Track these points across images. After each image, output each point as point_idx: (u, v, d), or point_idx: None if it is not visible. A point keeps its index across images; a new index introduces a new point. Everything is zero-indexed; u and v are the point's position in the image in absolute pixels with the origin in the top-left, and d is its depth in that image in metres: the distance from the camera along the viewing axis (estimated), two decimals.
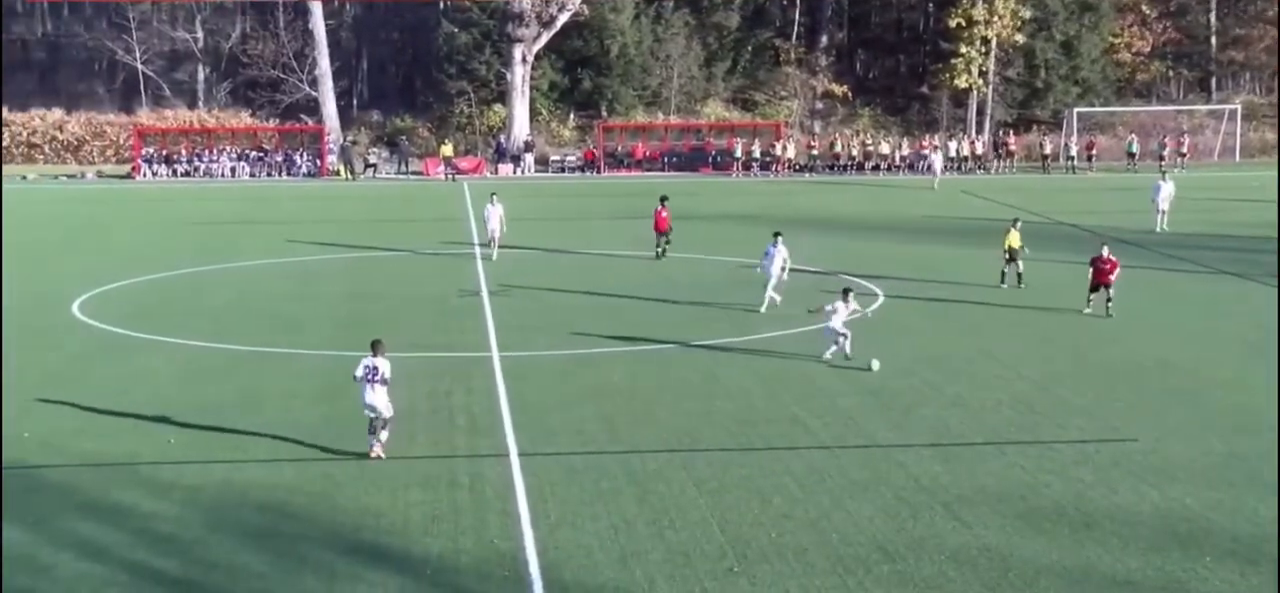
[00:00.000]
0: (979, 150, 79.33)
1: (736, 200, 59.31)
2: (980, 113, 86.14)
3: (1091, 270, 32.91)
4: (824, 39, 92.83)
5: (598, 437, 22.71)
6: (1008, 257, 37.32)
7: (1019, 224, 38.10)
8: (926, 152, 77.58)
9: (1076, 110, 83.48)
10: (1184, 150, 77.58)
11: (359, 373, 21.19)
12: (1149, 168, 75.22)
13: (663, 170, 78.20)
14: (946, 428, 23.15)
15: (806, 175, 77.22)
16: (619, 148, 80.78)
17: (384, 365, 21.17)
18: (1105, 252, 32.91)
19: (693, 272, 39.81)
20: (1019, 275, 37.19)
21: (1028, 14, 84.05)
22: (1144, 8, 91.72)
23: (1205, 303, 35.32)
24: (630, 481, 20.21)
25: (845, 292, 28.35)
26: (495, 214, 42.48)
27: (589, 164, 79.25)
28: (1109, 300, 32.53)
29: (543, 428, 23.19)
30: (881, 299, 35.40)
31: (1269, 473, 20.67)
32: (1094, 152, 79.06)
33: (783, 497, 19.47)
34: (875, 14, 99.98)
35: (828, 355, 27.78)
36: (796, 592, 16.07)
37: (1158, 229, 48.37)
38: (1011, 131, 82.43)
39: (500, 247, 42.38)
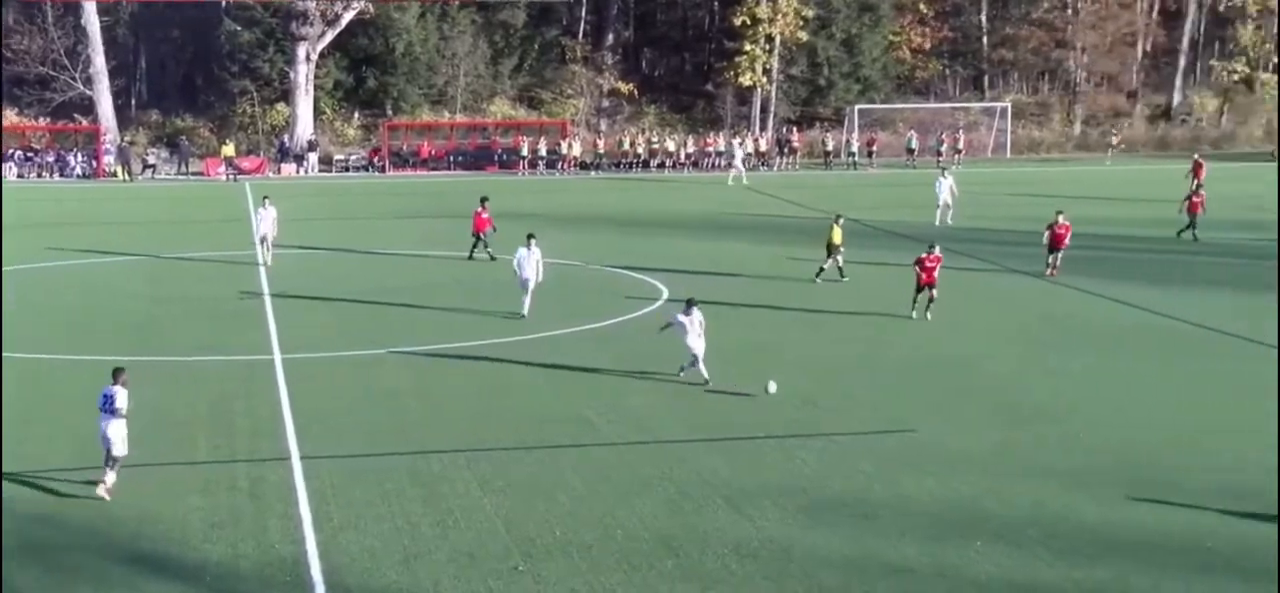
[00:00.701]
0: (763, 147, 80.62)
1: (523, 199, 59.26)
2: (764, 110, 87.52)
3: (917, 270, 32.32)
4: (610, 37, 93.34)
5: (382, 438, 22.49)
6: (828, 251, 37.88)
7: (841, 221, 38.66)
8: (721, 148, 78.61)
9: (857, 107, 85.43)
10: (960, 147, 79.95)
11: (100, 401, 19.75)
12: (927, 164, 77.46)
13: (449, 169, 77.70)
14: (730, 423, 23.48)
15: (593, 173, 77.56)
16: (404, 147, 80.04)
17: (120, 397, 19.51)
18: (936, 250, 32.56)
19: (479, 272, 39.64)
20: (840, 270, 37.75)
21: (811, 13, 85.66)
22: (922, 7, 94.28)
23: (986, 297, 36.41)
24: (415, 482, 20.08)
25: (689, 304, 26.30)
26: (267, 217, 41.16)
27: (373, 163, 78.32)
28: (930, 301, 32.13)
29: (326, 431, 22.89)
30: (665, 296, 35.74)
31: (1039, 459, 21.50)
32: (875, 147, 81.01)
33: (568, 495, 19.54)
34: (661, 12, 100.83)
35: (682, 375, 26.05)
36: (582, 589, 16.15)
37: (937, 223, 49.71)
38: (795, 128, 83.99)
39: (276, 249, 41.32)
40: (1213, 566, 16.87)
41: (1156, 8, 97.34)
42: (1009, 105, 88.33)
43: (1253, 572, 16.68)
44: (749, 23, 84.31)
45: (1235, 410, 24.49)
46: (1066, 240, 36.46)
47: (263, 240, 41.17)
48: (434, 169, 77.57)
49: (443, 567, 16.77)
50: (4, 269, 38.09)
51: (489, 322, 32.15)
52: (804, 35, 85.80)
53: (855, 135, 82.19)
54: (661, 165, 78.68)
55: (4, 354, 27.25)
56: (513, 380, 26.71)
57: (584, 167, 78.60)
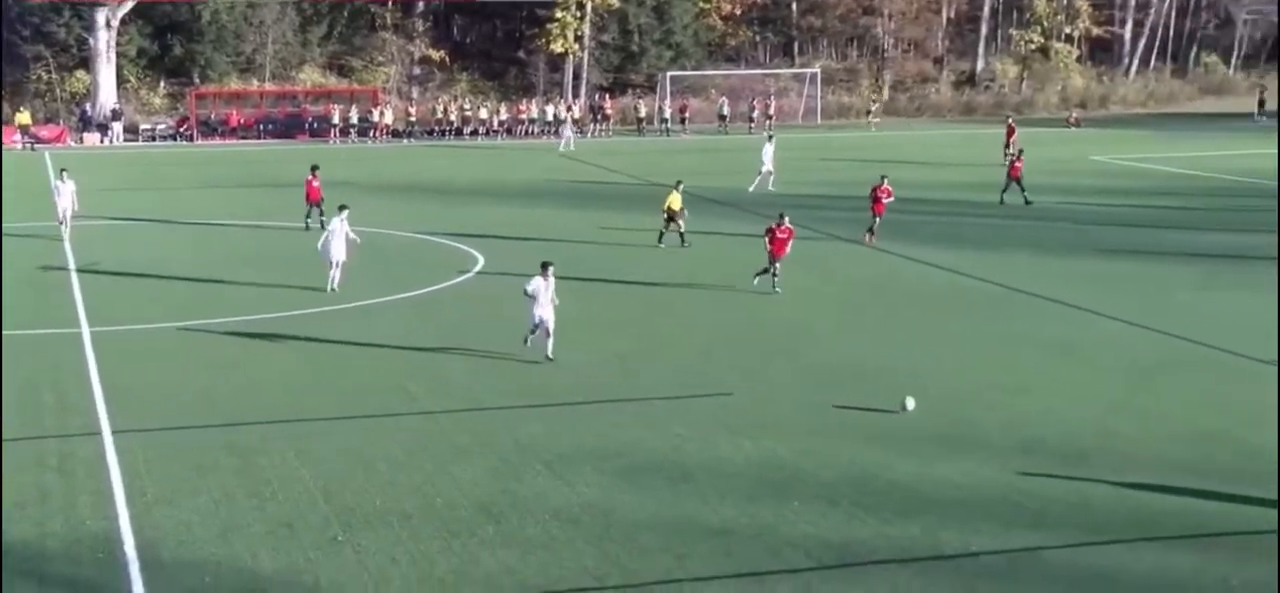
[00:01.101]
0: (576, 114, 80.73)
1: (335, 167, 58.39)
2: (577, 77, 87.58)
3: (768, 241, 31.95)
4: (420, 4, 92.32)
5: (196, 412, 22.07)
6: (667, 218, 38.02)
7: (681, 187, 38.85)
8: (534, 114, 78.52)
9: (670, 74, 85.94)
10: (771, 113, 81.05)
11: None
12: (739, 130, 78.48)
13: (259, 138, 76.22)
14: (548, 389, 23.54)
15: (406, 141, 76.79)
16: (213, 115, 78.23)
17: None
18: (786, 221, 32.13)
19: (294, 242, 39.01)
20: (681, 236, 37.94)
21: None
22: None
23: (805, 262, 36.88)
24: (231, 454, 19.76)
25: (545, 266, 25.44)
26: (66, 191, 39.66)
27: (181, 133, 76.38)
28: (775, 274, 31.70)
29: (138, 405, 22.38)
30: (481, 264, 35.64)
31: (854, 419, 22.00)
32: (687, 114, 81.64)
33: (387, 464, 19.43)
34: None
35: (528, 343, 25.42)
36: (402, 558, 16.09)
37: (752, 189, 50.21)
38: (608, 95, 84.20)
39: (77, 221, 39.92)
40: (1018, 519, 17.48)
41: None
42: (819, 71, 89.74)
43: (1056, 524, 17.32)
44: None
45: (1039, 368, 25.34)
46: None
47: (62, 218, 39.64)
48: (244, 138, 76.00)
49: (261, 539, 16.56)
50: None
51: (303, 293, 31.66)
52: (615, 2, 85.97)
53: (667, 102, 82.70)
54: (475, 132, 78.24)
55: None
56: (328, 351, 26.40)
57: (396, 135, 77.74)
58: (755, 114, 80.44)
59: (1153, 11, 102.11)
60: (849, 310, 30.52)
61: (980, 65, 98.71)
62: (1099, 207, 46.35)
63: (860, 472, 19.29)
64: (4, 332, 26.88)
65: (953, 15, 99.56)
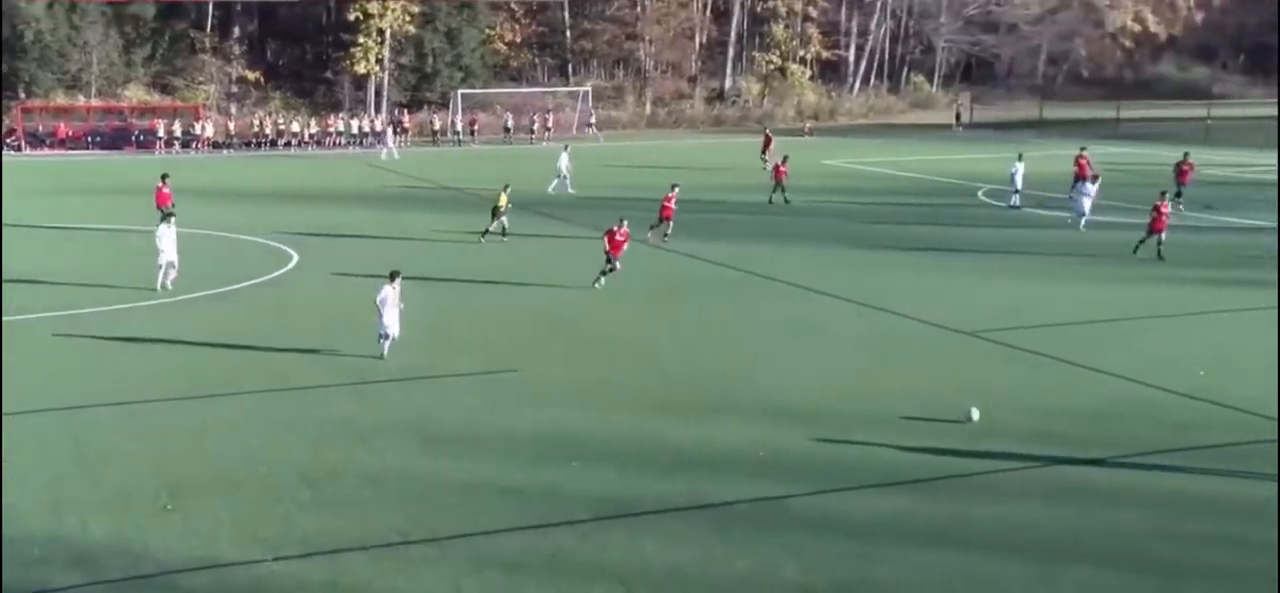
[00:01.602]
0: (378, 127, 79.51)
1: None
2: (378, 94, 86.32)
3: (606, 241, 30.96)
4: (237, 29, 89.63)
5: (29, 395, 21.05)
6: (493, 214, 37.82)
7: (508, 189, 38.61)
8: (340, 128, 77.11)
9: (460, 92, 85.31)
10: (550, 125, 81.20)
11: None
12: (522, 141, 78.35)
13: (87, 149, 72.98)
14: (359, 370, 23.16)
15: (226, 152, 74.48)
16: (40, 128, 74.61)
17: None
18: (624, 226, 31.43)
19: (126, 243, 37.50)
20: (504, 229, 37.67)
21: (417, 8, 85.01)
22: (513, 5, 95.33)
23: (581, 253, 36.99)
24: (64, 436, 18.94)
25: (393, 275, 24.05)
26: None
27: (9, 143, 72.48)
28: (613, 270, 30.82)
29: None
30: (296, 260, 34.85)
31: (629, 390, 22.20)
32: (476, 127, 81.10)
33: (214, 439, 18.89)
34: (283, 8, 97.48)
35: (383, 353, 23.74)
36: (228, 521, 15.67)
37: (551, 190, 49.89)
38: (406, 110, 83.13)
39: None
40: (766, 473, 17.88)
41: (709, 6, 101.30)
42: (590, 89, 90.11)
43: (797, 475, 17.76)
44: (362, 17, 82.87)
45: (784, 344, 25.90)
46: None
47: None
48: (72, 149, 72.67)
49: (92, 511, 15.92)
50: None
51: (133, 291, 30.47)
52: (412, 28, 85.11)
53: (459, 116, 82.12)
54: (289, 144, 76.37)
55: None
56: (159, 341, 25.46)
57: (217, 146, 75.33)
58: (535, 126, 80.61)
59: (871, 38, 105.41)
60: (627, 298, 30.62)
61: (728, 83, 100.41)
62: (832, 203, 47.54)
63: (634, 435, 19.48)
64: None
65: (704, 40, 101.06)
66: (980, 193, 50.99)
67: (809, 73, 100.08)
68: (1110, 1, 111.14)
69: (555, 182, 50.77)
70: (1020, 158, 47.20)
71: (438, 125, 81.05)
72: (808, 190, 49.52)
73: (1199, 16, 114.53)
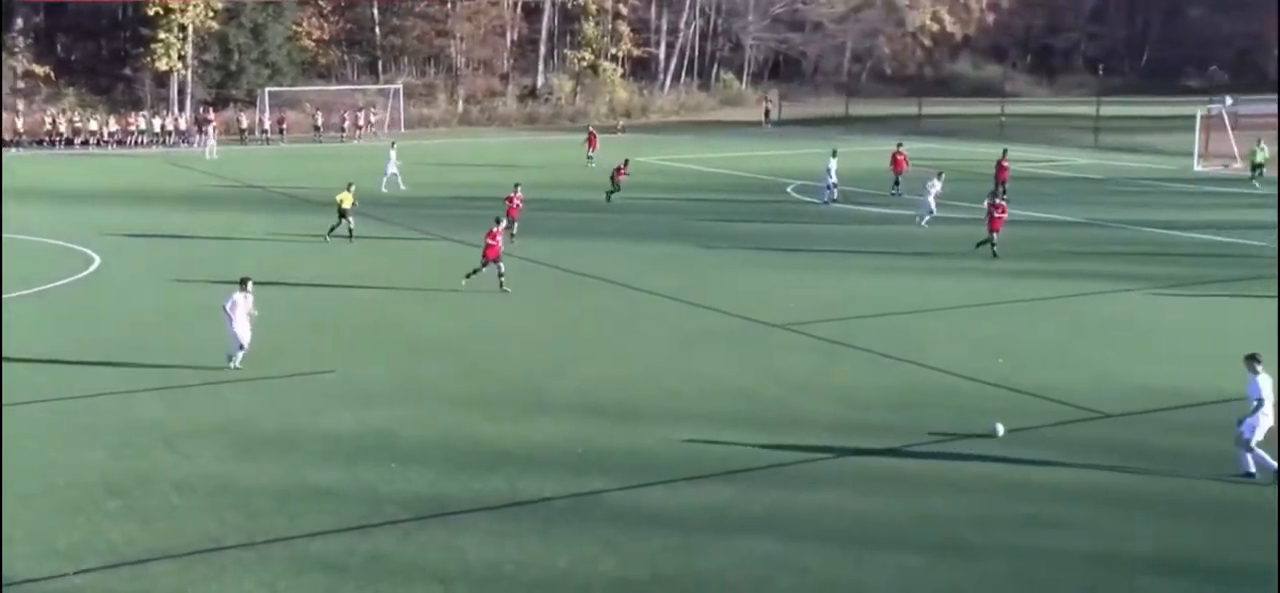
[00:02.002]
0: (182, 125, 77.09)
1: None
2: (182, 92, 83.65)
3: (488, 241, 30.01)
4: (20, 22, 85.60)
5: None
6: (340, 214, 37.03)
7: (352, 188, 37.77)
8: (142, 126, 74.49)
9: (268, 89, 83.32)
10: (361, 124, 79.92)
11: None
12: (333, 139, 76.93)
13: None
14: (166, 373, 22.45)
15: (15, 151, 71.14)
16: None
17: None
18: (502, 223, 30.76)
19: None
20: (350, 231, 36.91)
21: (220, 4, 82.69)
22: (320, 2, 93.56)
23: (398, 255, 36.56)
24: None
25: (242, 281, 23.21)
26: None
27: None
28: (476, 273, 30.03)
29: None
30: (98, 262, 33.58)
31: (444, 388, 22.03)
32: (285, 125, 79.32)
33: (10, 450, 17.98)
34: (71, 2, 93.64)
35: (235, 364, 22.72)
36: (20, 535, 15.02)
37: (384, 189, 49.06)
38: (212, 108, 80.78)
39: None
40: (585, 468, 17.96)
41: (520, 4, 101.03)
42: (401, 87, 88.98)
43: (616, 469, 17.88)
44: (162, 12, 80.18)
45: (603, 340, 26.07)
46: (518, 211, 36.21)
47: None
48: None
49: None
50: None
51: None
52: (215, 24, 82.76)
53: (267, 114, 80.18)
54: (86, 143, 73.45)
55: None
56: None
57: (4, 144, 71.92)
58: (346, 125, 79.29)
59: (681, 37, 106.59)
60: (447, 299, 30.21)
61: (541, 81, 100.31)
62: (647, 200, 47.88)
63: (450, 435, 19.36)
64: None
65: (515, 38, 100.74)
66: (790, 189, 52.08)
67: (621, 70, 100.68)
68: (910, 1, 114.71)
69: (385, 179, 50.05)
70: (834, 154, 48.43)
71: (244, 123, 78.99)
72: (597, 187, 49.85)
73: (991, 17, 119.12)
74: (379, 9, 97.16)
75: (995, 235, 34.64)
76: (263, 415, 20.18)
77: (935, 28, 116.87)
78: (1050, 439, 19.21)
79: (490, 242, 29.89)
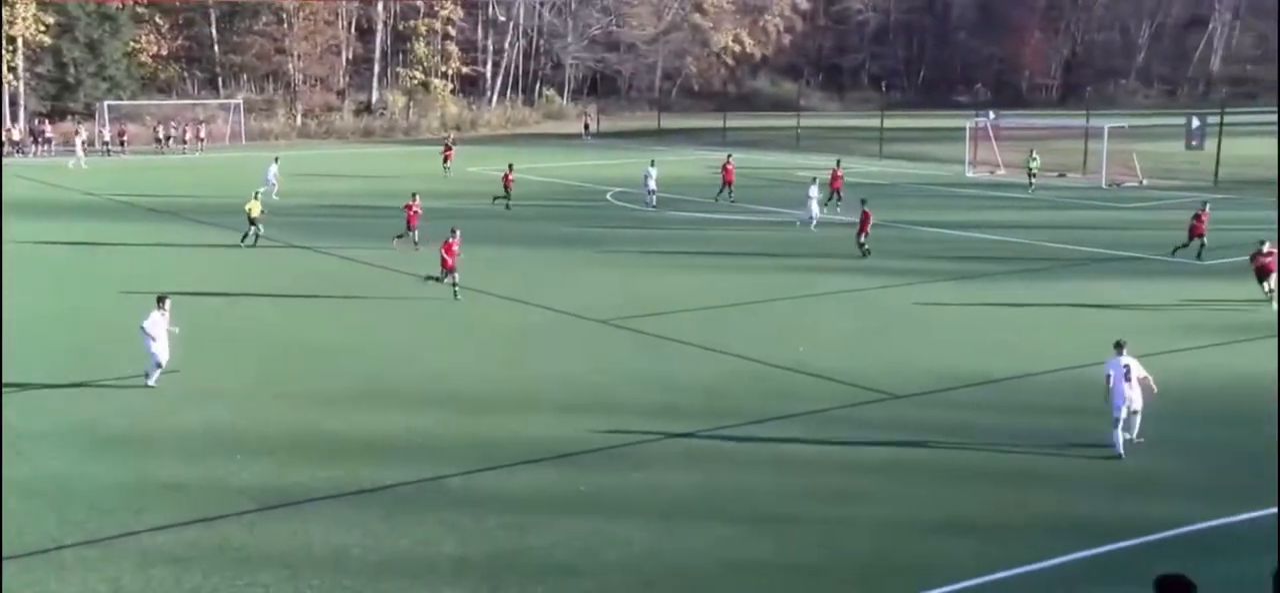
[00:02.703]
0: (15, 137, 73.44)
1: None
2: (15, 104, 79.74)
3: (443, 254, 28.83)
4: None
5: None
6: (250, 220, 36.52)
7: (259, 195, 37.31)
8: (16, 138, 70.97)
9: (107, 103, 80.00)
10: (202, 136, 77.39)
11: None
12: (176, 152, 74.32)
13: None
14: (13, 376, 21.29)
15: None
16: None
17: None
18: (458, 233, 29.47)
19: None
20: (258, 236, 36.40)
21: (51, 19, 79.10)
22: (158, 20, 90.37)
23: (261, 261, 35.48)
24: None
25: (160, 299, 21.80)
26: None
27: None
28: (454, 284, 28.83)
29: None
30: None
31: (294, 386, 21.45)
32: (125, 137, 76.22)
33: None
34: None
35: (152, 382, 21.13)
36: None
37: (274, 198, 47.84)
38: (48, 120, 77.15)
39: None
40: (426, 456, 17.72)
41: (354, 25, 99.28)
42: (241, 102, 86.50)
43: (456, 456, 17.67)
44: None
45: (447, 337, 25.70)
46: (418, 219, 35.70)
47: None
48: None
49: None
50: None
51: None
52: (47, 39, 79.17)
53: (107, 127, 76.89)
54: None
55: None
56: None
57: None
58: (188, 137, 76.64)
59: (506, 56, 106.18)
60: (297, 300, 29.37)
61: (375, 97, 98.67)
62: (479, 207, 47.43)
63: (294, 428, 18.88)
64: None
65: (351, 56, 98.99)
66: (609, 195, 52.27)
67: (450, 87, 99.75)
68: (713, 24, 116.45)
69: (262, 189, 48.60)
70: (653, 164, 48.73)
71: (83, 135, 75.54)
72: (455, 194, 49.34)
73: (786, 39, 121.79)
74: (217, 28, 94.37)
75: (864, 237, 35.22)
76: (112, 418, 19.35)
77: (737, 48, 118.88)
78: (847, 419, 19.68)
79: (445, 254, 28.87)
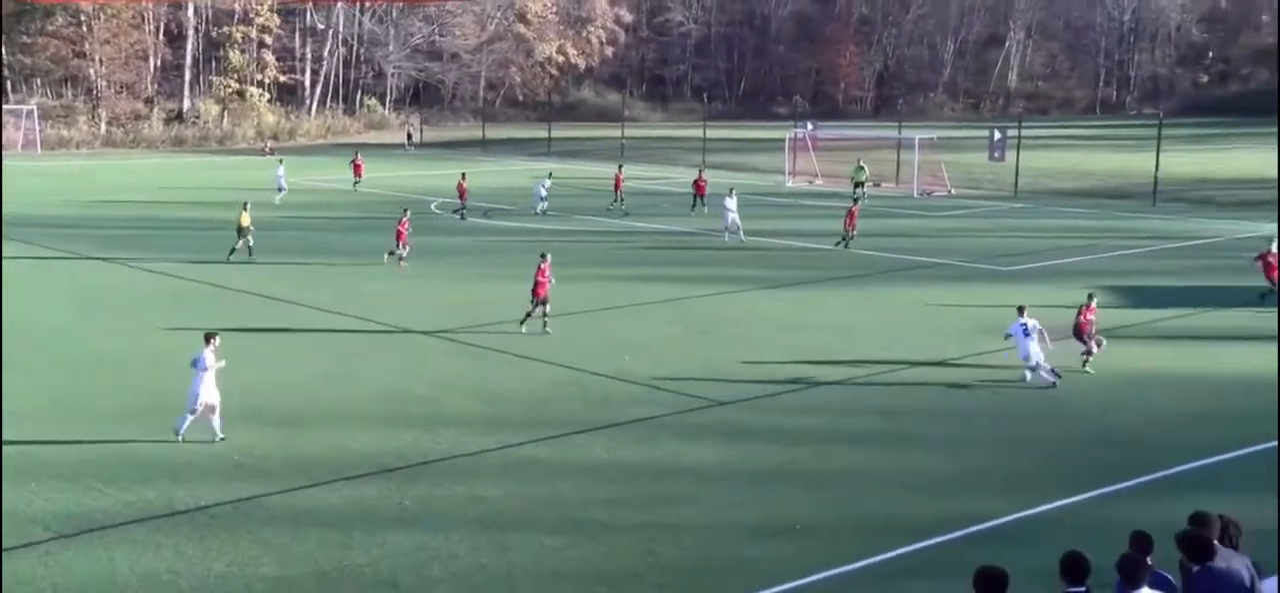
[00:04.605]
0: None
1: None
2: None
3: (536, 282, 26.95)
4: None
5: None
6: (238, 231, 35.88)
7: (248, 205, 36.35)
8: None
9: None
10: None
11: None
12: None
13: None
14: None
15: None
16: None
17: None
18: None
19: None
20: (250, 249, 35.38)
21: None
22: None
23: (71, 277, 33.87)
24: None
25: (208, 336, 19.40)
26: None
27: None
28: (529, 316, 26.75)
29: None
30: None
31: (96, 405, 20.56)
32: None
33: None
34: None
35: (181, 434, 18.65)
36: None
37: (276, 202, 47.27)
38: None
39: None
40: (241, 474, 17.23)
41: (163, 29, 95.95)
42: (36, 107, 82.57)
43: (273, 474, 17.22)
44: None
45: (258, 349, 24.88)
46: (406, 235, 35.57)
47: None
48: None
49: None
50: None
51: None
52: None
53: None
54: None
55: None
56: None
57: None
58: None
59: (325, 65, 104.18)
60: (105, 314, 28.27)
61: (187, 105, 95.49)
62: (299, 219, 46.35)
63: (97, 451, 18.07)
64: None
65: (160, 62, 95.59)
66: (433, 205, 51.71)
67: (267, 95, 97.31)
68: (537, 35, 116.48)
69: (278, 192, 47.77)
70: (550, 176, 50.65)
71: None
72: (271, 205, 48.05)
73: (609, 50, 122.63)
74: (4, 26, 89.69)
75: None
76: None
77: (561, 58, 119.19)
78: (671, 426, 19.88)
79: (540, 279, 26.54)
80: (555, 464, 17.93)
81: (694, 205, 49.05)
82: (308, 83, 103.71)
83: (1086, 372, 22.87)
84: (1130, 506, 15.80)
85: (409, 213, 37.35)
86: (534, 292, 26.57)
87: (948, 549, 14.69)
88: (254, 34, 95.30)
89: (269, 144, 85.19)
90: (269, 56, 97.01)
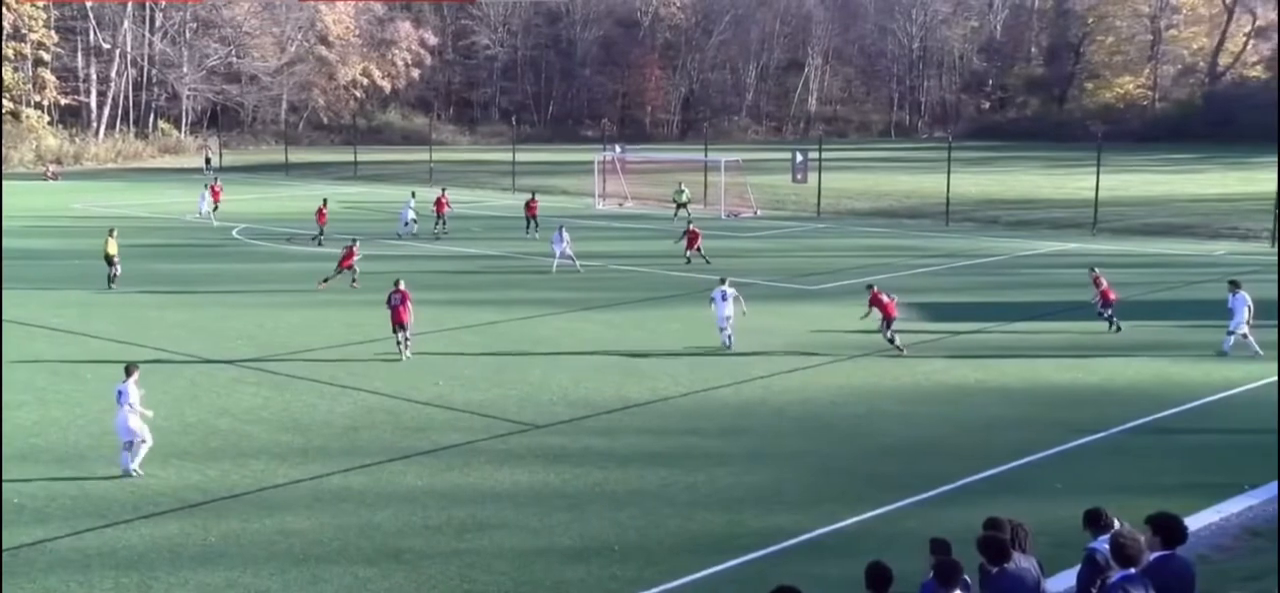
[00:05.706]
0: None
1: None
2: None
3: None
4: None
5: None
6: (107, 260, 35.34)
7: (115, 232, 35.52)
8: None
9: None
10: None
11: None
12: None
13: None
14: None
15: None
16: None
17: None
18: (399, 286, 26.73)
19: None
20: (112, 279, 35.30)
21: None
22: None
23: None
24: None
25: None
26: None
27: None
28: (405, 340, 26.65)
29: None
30: None
31: None
32: None
33: None
34: None
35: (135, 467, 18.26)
36: None
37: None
38: None
39: None
40: (21, 518, 16.38)
41: None
42: None
43: (59, 516, 16.43)
44: None
45: (40, 385, 23.84)
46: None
47: None
48: None
49: None
50: None
51: None
52: None
53: None
54: None
55: None
56: None
57: None
58: None
59: (114, 86, 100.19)
60: None
61: None
62: (87, 247, 44.31)
63: None
64: None
65: None
66: (235, 232, 50.27)
67: (47, 118, 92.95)
68: (340, 57, 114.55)
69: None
70: (413, 194, 50.86)
71: None
72: (57, 233, 45.95)
73: (416, 73, 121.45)
74: None
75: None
76: None
77: (366, 81, 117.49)
78: (485, 451, 19.80)
79: (401, 305, 26.23)
80: (368, 493, 17.66)
81: (527, 228, 49.07)
82: (93, 104, 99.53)
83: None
84: (929, 515, 16.49)
85: (358, 242, 37.43)
86: (396, 316, 26.32)
87: (753, 568, 15.01)
88: (29, 51, 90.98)
89: (52, 168, 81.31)
90: (48, 76, 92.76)
